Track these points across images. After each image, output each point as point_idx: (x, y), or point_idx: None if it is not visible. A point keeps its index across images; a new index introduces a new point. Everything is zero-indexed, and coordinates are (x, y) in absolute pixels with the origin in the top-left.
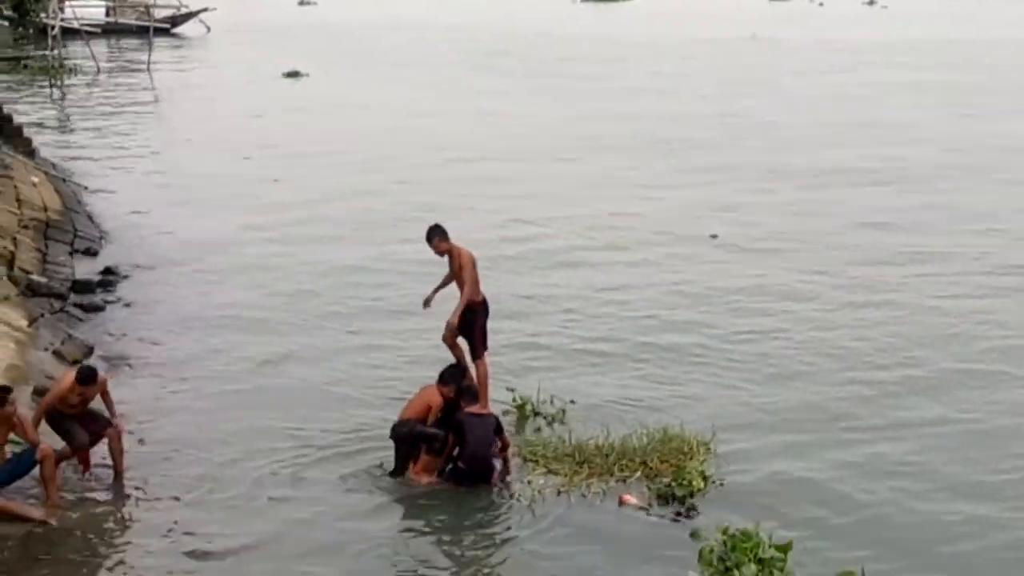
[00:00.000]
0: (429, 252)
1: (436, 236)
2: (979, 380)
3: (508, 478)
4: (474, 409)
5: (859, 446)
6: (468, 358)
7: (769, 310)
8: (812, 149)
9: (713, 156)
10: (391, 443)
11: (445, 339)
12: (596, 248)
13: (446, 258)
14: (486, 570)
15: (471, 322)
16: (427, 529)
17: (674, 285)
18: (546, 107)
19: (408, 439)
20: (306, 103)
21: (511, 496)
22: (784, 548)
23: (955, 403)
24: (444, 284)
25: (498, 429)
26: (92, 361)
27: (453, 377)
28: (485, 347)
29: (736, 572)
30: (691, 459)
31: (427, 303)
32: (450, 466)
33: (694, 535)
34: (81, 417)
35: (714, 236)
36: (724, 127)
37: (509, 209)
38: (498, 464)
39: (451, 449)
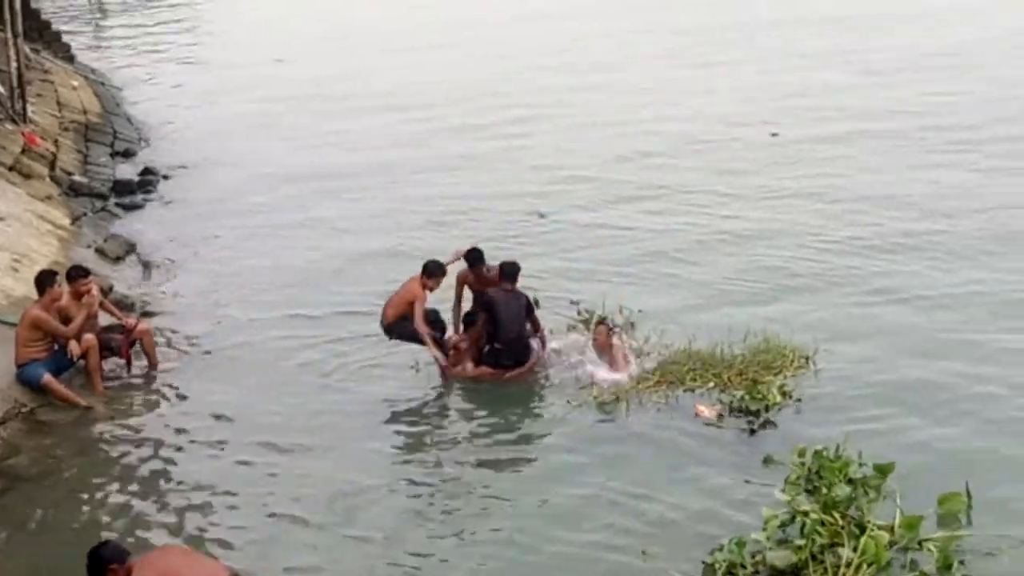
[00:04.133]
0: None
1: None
2: None
3: (546, 358)
4: (506, 286)
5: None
6: None
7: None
8: None
9: None
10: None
11: None
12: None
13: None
14: (530, 478)
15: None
16: (470, 434)
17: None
18: None
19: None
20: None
21: (566, 401)
22: (884, 469)
23: None
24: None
25: (529, 309)
26: (132, 258)
27: (478, 258)
28: None
29: (825, 492)
30: (778, 373)
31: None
32: (487, 347)
33: (767, 461)
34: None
35: (775, 135)
36: None
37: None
38: (535, 344)
39: (484, 328)
